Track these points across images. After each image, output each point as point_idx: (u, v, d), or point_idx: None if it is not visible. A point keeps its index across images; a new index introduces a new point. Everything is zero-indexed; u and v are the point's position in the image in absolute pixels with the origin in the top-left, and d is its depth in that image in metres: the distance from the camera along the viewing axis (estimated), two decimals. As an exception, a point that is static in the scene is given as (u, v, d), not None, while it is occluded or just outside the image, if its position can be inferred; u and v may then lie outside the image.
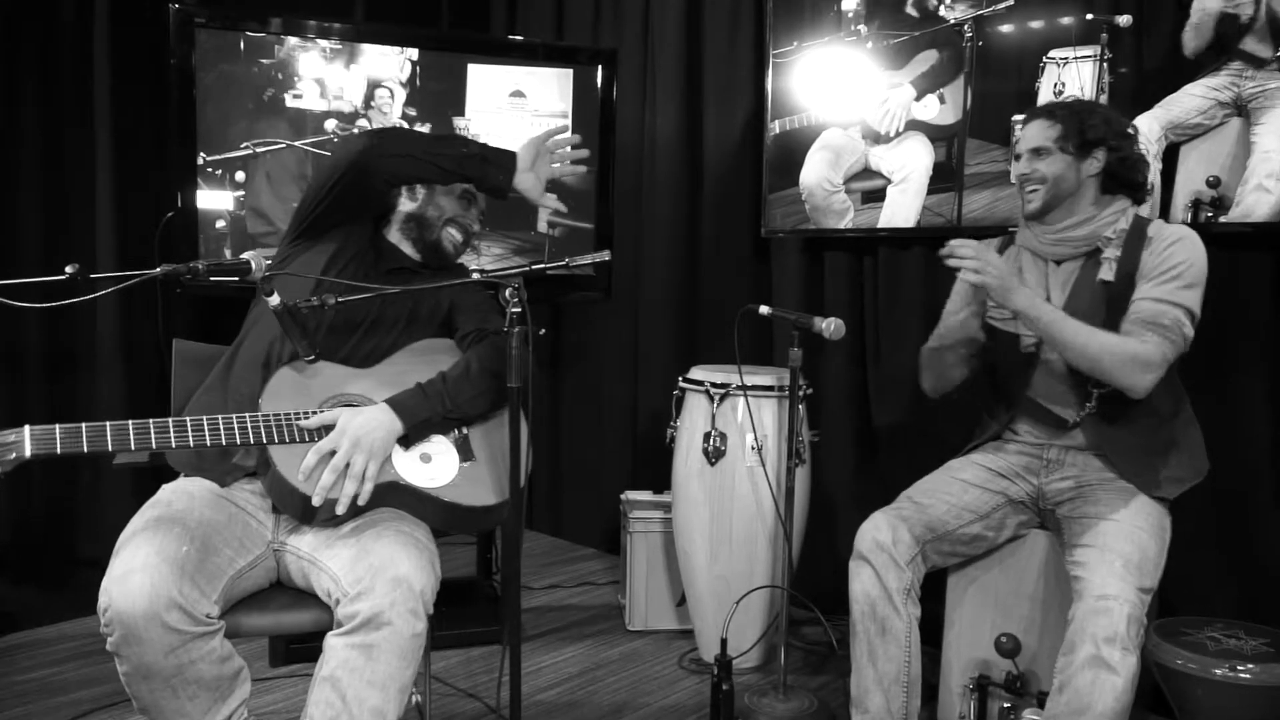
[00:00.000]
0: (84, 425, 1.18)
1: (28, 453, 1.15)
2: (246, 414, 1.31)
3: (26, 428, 1.16)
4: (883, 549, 1.57)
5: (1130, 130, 1.64)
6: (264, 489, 1.38)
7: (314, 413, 1.36)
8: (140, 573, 1.16)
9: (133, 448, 1.20)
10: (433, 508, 1.39)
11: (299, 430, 1.33)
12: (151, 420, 1.23)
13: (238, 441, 1.30)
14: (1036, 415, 1.68)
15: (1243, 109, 1.76)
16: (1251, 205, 1.76)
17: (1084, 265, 1.62)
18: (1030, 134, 1.64)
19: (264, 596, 1.37)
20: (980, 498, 1.65)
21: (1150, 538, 1.46)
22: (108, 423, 1.20)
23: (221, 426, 1.28)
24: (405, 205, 1.64)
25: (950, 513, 1.63)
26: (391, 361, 1.50)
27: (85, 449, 1.18)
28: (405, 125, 2.42)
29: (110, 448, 1.19)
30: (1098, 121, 1.60)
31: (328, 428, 1.34)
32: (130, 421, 1.21)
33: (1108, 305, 1.56)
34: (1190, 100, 1.81)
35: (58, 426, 1.17)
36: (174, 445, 1.24)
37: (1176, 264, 1.53)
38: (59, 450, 1.16)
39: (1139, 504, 1.52)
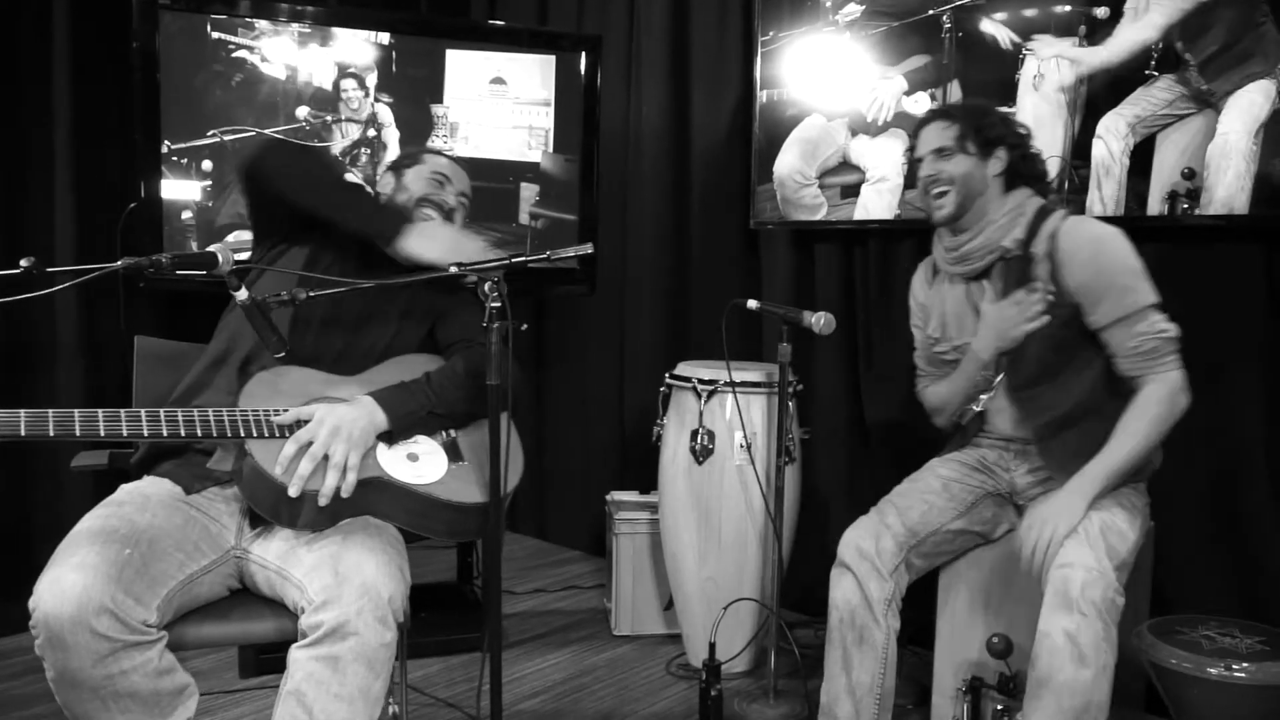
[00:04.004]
0: (50, 411, 1.15)
1: None
2: (221, 408, 1.27)
3: None
4: (865, 557, 1.55)
5: (1023, 130, 1.64)
6: (235, 494, 1.33)
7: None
8: (73, 574, 1.10)
9: (102, 434, 1.17)
10: (419, 505, 1.34)
11: (272, 425, 1.28)
12: (123, 410, 1.20)
13: (200, 434, 1.24)
14: (998, 424, 1.68)
15: (1207, 100, 1.77)
16: (1226, 196, 1.75)
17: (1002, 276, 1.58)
18: (929, 136, 1.63)
19: (224, 605, 1.31)
20: (960, 493, 1.65)
21: (1116, 506, 1.44)
22: (75, 410, 1.17)
23: (196, 418, 1.24)
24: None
25: (931, 512, 1.62)
26: (376, 370, 1.46)
27: (51, 433, 1.15)
28: (378, 117, 2.34)
29: (78, 434, 1.16)
30: (995, 120, 1.61)
31: (302, 422, 1.28)
32: (100, 410, 1.19)
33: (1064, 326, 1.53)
34: (1157, 93, 1.82)
35: (22, 411, 1.14)
36: (146, 434, 1.21)
37: (1111, 278, 1.49)
38: (23, 433, 1.13)
39: None
